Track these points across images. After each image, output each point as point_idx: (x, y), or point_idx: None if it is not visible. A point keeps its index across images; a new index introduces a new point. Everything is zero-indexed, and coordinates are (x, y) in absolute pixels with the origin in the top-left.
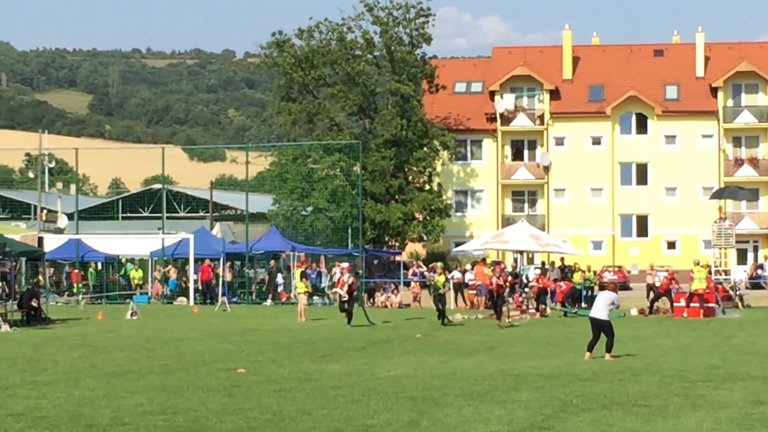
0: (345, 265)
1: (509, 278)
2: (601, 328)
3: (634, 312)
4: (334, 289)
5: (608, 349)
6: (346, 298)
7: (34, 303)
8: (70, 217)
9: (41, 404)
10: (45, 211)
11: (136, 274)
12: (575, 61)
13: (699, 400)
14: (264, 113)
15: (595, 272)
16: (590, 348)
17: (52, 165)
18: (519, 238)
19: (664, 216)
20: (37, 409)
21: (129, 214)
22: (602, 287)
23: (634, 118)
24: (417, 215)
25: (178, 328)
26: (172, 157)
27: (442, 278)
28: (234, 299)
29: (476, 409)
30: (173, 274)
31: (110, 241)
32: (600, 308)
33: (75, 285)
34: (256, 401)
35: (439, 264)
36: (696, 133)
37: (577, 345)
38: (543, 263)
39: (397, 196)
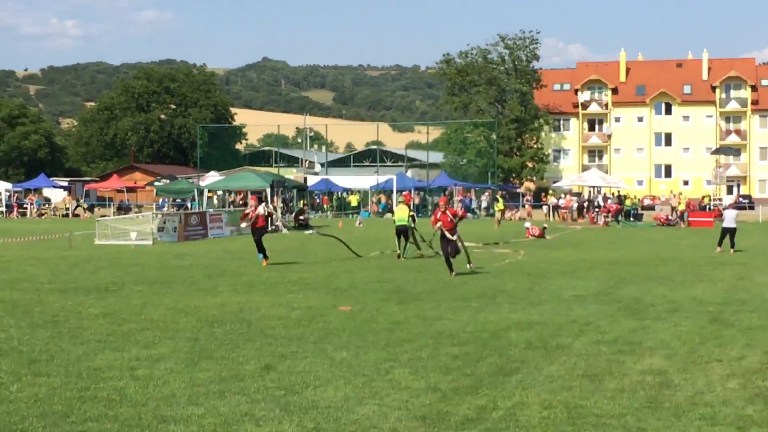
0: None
1: (460, 212)
2: (732, 233)
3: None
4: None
5: (732, 246)
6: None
7: (302, 217)
8: (322, 165)
9: (306, 276)
10: (307, 162)
11: (353, 198)
12: (627, 70)
13: (704, 277)
14: (437, 103)
15: (639, 199)
16: (720, 244)
17: (312, 134)
18: (593, 178)
19: (682, 165)
20: (305, 279)
21: (357, 164)
22: (731, 206)
23: (663, 106)
24: (528, 164)
25: (388, 231)
26: (383, 129)
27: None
28: (419, 215)
29: (567, 281)
30: (384, 199)
31: (346, 179)
32: (731, 221)
33: (325, 206)
34: (434, 274)
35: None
36: (702, 114)
37: (627, 244)
38: (605, 194)
39: (517, 152)
